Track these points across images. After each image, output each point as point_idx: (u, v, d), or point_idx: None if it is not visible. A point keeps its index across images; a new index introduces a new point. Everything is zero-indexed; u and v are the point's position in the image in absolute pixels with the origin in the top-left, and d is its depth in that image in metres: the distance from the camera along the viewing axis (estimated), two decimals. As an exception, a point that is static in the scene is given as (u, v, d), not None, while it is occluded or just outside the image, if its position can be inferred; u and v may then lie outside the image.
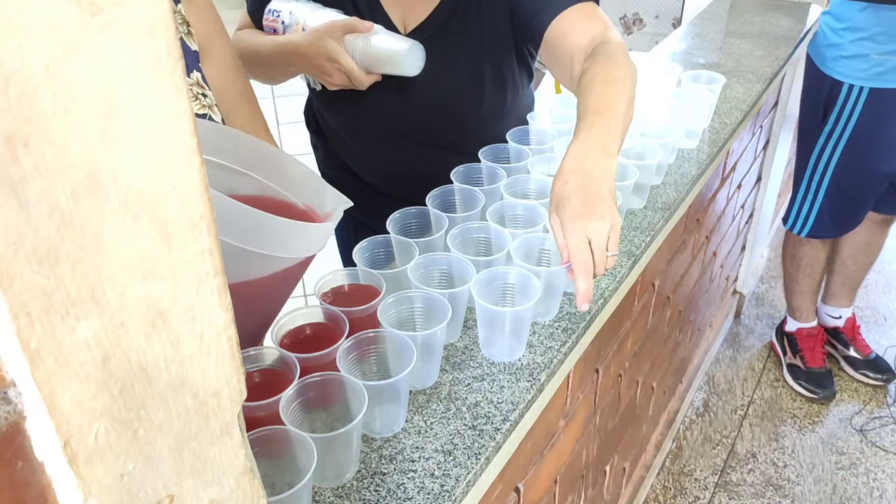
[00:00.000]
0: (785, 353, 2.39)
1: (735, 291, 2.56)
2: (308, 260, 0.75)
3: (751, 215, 2.41)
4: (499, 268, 0.89)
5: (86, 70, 0.28)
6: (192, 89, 0.92)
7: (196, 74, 0.95)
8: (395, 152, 1.30)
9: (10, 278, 0.27)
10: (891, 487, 2.01)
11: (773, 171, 2.38)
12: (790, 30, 2.07)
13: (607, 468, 1.48)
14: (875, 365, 2.34)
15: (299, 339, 0.81)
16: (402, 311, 0.85)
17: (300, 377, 0.73)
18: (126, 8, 0.28)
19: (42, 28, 0.26)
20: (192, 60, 0.95)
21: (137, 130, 0.30)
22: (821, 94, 1.97)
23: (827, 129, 1.98)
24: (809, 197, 2.11)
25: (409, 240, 0.94)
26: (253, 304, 0.76)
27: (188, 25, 0.95)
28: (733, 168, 1.84)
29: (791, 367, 2.36)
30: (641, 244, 1.10)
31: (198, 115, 0.93)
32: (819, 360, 2.32)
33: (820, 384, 2.28)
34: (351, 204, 0.81)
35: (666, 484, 2.03)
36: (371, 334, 0.80)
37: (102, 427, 0.32)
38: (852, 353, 2.37)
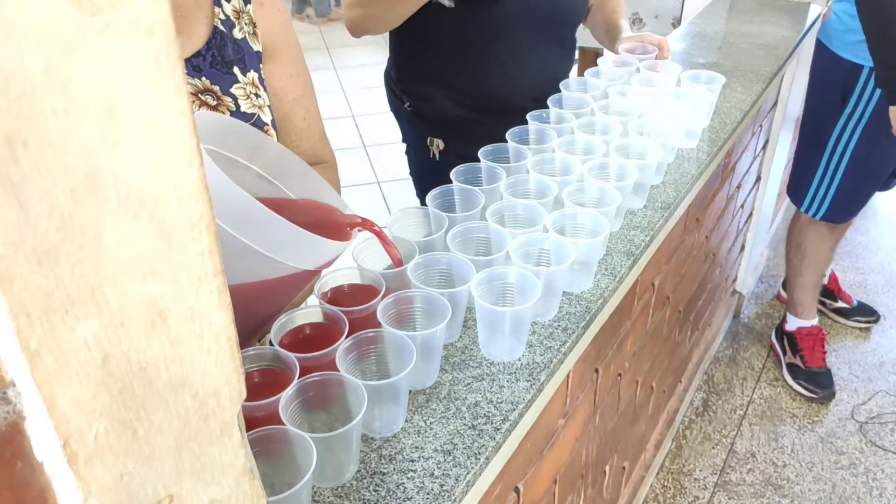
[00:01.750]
0: (784, 353, 2.40)
1: (734, 291, 2.57)
2: (314, 273, 0.75)
3: (750, 215, 2.41)
4: (499, 268, 0.89)
5: (85, 70, 0.28)
6: (245, 88, 0.94)
7: (252, 74, 0.96)
8: (525, 49, 1.48)
9: (10, 278, 0.27)
10: (890, 486, 2.01)
11: (772, 171, 2.38)
12: (790, 30, 2.07)
13: (607, 468, 1.48)
14: (862, 310, 2.54)
15: (299, 339, 0.81)
16: (402, 311, 0.85)
17: (300, 377, 0.73)
18: (126, 8, 0.28)
19: (42, 28, 0.26)
20: (252, 61, 0.96)
21: (137, 130, 0.30)
22: (837, 77, 2.02)
23: (847, 110, 2.03)
24: (827, 178, 2.15)
25: (410, 240, 0.94)
26: (248, 307, 0.76)
27: (254, 26, 0.97)
28: (733, 168, 1.84)
29: (791, 367, 2.36)
30: (641, 244, 1.11)
31: (246, 114, 0.94)
32: (819, 360, 2.33)
33: (820, 384, 2.29)
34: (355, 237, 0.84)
35: (665, 483, 2.03)
36: (371, 334, 0.80)
37: (102, 427, 0.32)
38: (840, 304, 2.55)
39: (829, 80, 2.06)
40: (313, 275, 0.75)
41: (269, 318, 0.82)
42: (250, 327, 0.83)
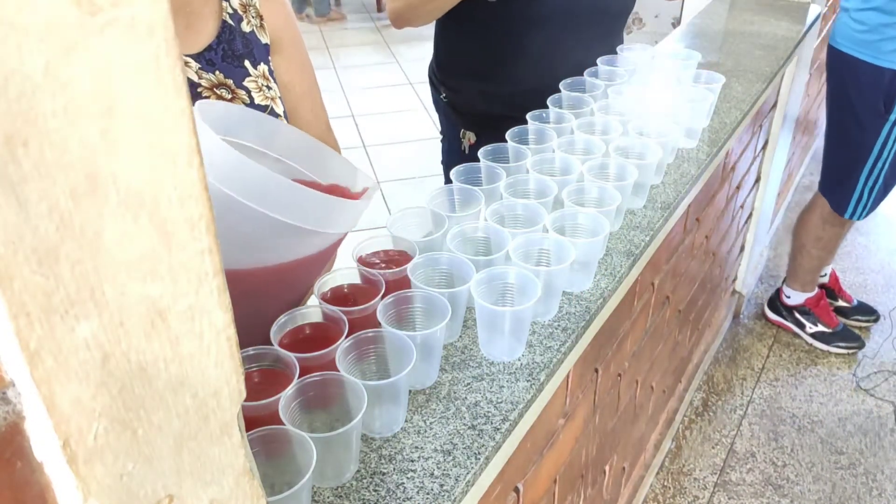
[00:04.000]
0: (803, 326, 2.51)
1: (734, 291, 2.57)
2: (339, 241, 0.79)
3: (750, 215, 2.41)
4: (498, 267, 0.89)
5: (85, 70, 0.28)
6: (257, 80, 0.96)
7: (263, 67, 0.98)
8: (566, 43, 1.47)
9: (10, 278, 0.27)
10: (890, 487, 2.01)
11: (772, 171, 2.38)
12: (790, 30, 2.07)
13: (607, 468, 1.48)
14: (862, 310, 2.60)
15: (299, 339, 0.81)
16: (402, 311, 0.85)
17: (300, 377, 0.73)
18: (125, 8, 0.28)
19: (41, 28, 0.26)
20: (261, 53, 0.99)
21: (137, 130, 0.30)
22: (880, 86, 2.04)
23: (892, 117, 2.06)
24: (870, 183, 2.20)
25: (410, 239, 0.94)
26: (289, 285, 0.82)
27: (261, 19, 0.99)
28: (732, 168, 1.84)
29: (818, 335, 2.49)
30: (641, 244, 1.11)
31: (260, 106, 0.96)
32: (835, 319, 2.49)
33: (853, 338, 2.47)
34: (376, 188, 0.87)
35: (665, 483, 2.03)
36: (370, 334, 0.80)
37: (102, 427, 0.32)
38: (841, 303, 2.61)
39: (871, 90, 2.07)
40: (340, 241, 0.80)
41: (309, 286, 0.87)
42: (295, 301, 0.87)
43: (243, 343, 0.73)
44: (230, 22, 0.94)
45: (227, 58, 0.93)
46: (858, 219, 2.27)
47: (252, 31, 0.97)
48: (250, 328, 0.79)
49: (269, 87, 0.98)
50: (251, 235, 0.70)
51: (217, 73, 0.92)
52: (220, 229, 0.66)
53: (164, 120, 0.31)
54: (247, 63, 0.95)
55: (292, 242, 0.74)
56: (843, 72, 2.12)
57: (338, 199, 0.74)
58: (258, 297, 0.80)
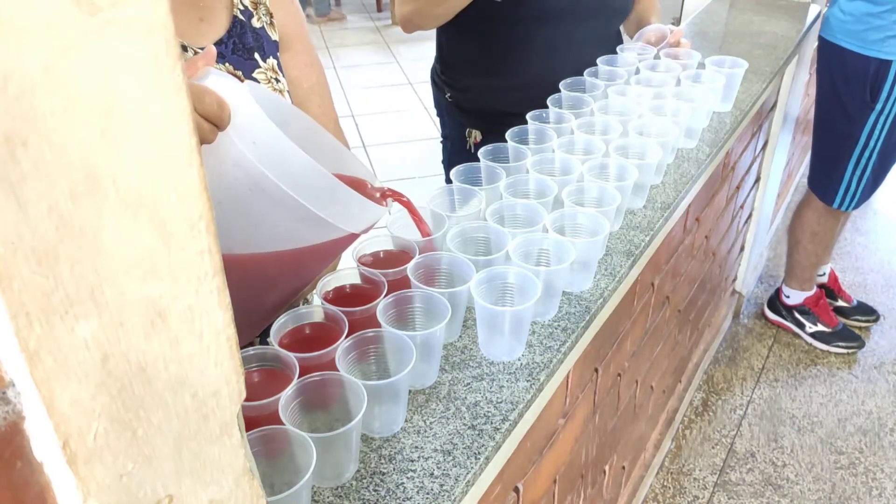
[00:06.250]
0: (803, 326, 2.51)
1: (734, 291, 2.57)
2: (352, 238, 0.79)
3: (750, 215, 2.41)
4: (498, 267, 0.89)
5: (84, 70, 0.28)
6: (266, 73, 0.99)
7: (272, 60, 1.01)
8: (568, 42, 1.50)
9: (9, 278, 0.27)
10: (890, 486, 2.01)
11: (772, 171, 2.38)
12: (790, 30, 2.07)
13: (606, 468, 1.48)
14: (862, 309, 2.60)
15: (299, 339, 0.81)
16: (402, 311, 0.85)
17: (299, 377, 0.73)
18: (125, 8, 0.28)
19: (41, 28, 0.26)
20: (271, 48, 1.02)
21: (137, 130, 0.30)
22: (866, 76, 2.05)
23: (878, 106, 2.06)
24: (858, 173, 2.20)
25: (410, 239, 0.94)
26: (299, 269, 0.83)
27: (271, 16, 1.03)
28: (732, 168, 1.84)
29: (818, 335, 2.49)
30: (641, 244, 1.11)
31: None
32: (835, 319, 2.49)
33: (853, 338, 2.47)
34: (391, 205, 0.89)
35: (665, 483, 2.03)
36: (370, 334, 0.80)
37: (101, 427, 0.32)
38: (840, 303, 2.61)
39: (857, 80, 2.08)
40: (354, 239, 0.80)
41: (311, 279, 0.87)
42: (297, 290, 0.87)
43: (245, 326, 0.74)
44: (241, 17, 0.98)
45: (238, 50, 0.96)
46: (846, 209, 2.27)
47: (262, 28, 1.00)
48: (252, 314, 0.79)
49: (277, 80, 1.01)
50: (278, 220, 0.70)
51: (227, 64, 0.94)
52: (253, 211, 0.67)
53: (164, 120, 0.31)
54: (256, 56, 0.98)
55: (316, 232, 0.74)
56: (830, 62, 2.13)
57: (372, 204, 0.75)
58: (268, 283, 0.80)
